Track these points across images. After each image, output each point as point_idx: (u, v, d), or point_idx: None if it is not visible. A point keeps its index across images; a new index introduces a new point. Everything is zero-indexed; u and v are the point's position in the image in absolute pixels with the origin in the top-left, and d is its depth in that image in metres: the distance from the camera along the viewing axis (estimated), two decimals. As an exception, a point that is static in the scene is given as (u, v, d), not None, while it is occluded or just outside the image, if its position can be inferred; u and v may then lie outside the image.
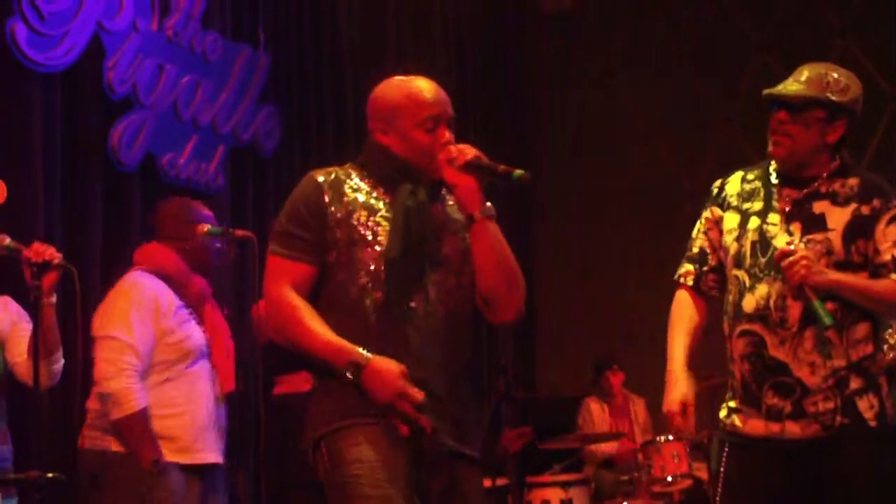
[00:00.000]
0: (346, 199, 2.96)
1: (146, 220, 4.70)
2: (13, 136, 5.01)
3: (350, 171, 3.04)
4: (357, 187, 2.99)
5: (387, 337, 2.89)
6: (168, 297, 4.23)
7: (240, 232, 4.51)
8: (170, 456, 4.09)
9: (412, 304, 2.92)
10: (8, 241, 3.67)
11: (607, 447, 7.08)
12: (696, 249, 3.43)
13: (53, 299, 3.86)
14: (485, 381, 6.24)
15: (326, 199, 2.95)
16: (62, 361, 4.02)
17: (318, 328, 2.88)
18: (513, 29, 9.02)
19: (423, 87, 3.04)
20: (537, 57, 9.01)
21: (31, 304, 3.81)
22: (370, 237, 2.93)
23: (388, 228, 2.93)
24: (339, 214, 2.94)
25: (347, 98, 6.82)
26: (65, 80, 5.26)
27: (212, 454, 4.22)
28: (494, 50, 8.72)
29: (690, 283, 3.42)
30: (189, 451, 4.15)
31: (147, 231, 4.59)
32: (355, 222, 2.94)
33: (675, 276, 3.48)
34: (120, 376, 4.04)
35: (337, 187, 2.98)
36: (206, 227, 4.37)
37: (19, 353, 3.95)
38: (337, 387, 2.88)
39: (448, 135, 3.00)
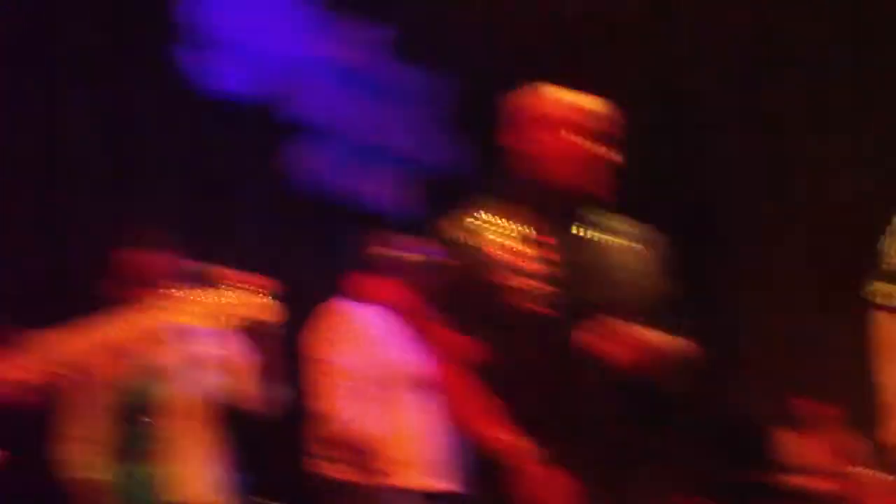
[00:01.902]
0: (475, 239, 2.75)
1: (357, 251, 4.76)
2: (208, 169, 5.20)
3: (478, 208, 2.83)
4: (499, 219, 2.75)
5: None
6: (383, 324, 4.23)
7: (435, 257, 4.56)
8: (401, 481, 4.07)
9: None
10: (225, 277, 3.78)
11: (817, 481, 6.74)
12: None
13: (276, 328, 3.85)
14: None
15: (458, 241, 2.77)
16: (286, 389, 4.01)
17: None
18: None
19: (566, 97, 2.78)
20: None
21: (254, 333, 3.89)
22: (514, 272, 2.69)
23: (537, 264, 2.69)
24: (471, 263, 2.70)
25: None
26: (255, 110, 5.41)
27: (445, 481, 4.08)
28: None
29: None
30: (421, 476, 4.10)
31: (357, 261, 4.63)
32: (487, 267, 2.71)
33: (873, 297, 3.23)
34: (340, 402, 4.07)
35: (463, 227, 2.78)
36: (416, 256, 4.40)
37: (244, 381, 3.99)
38: None
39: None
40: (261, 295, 3.76)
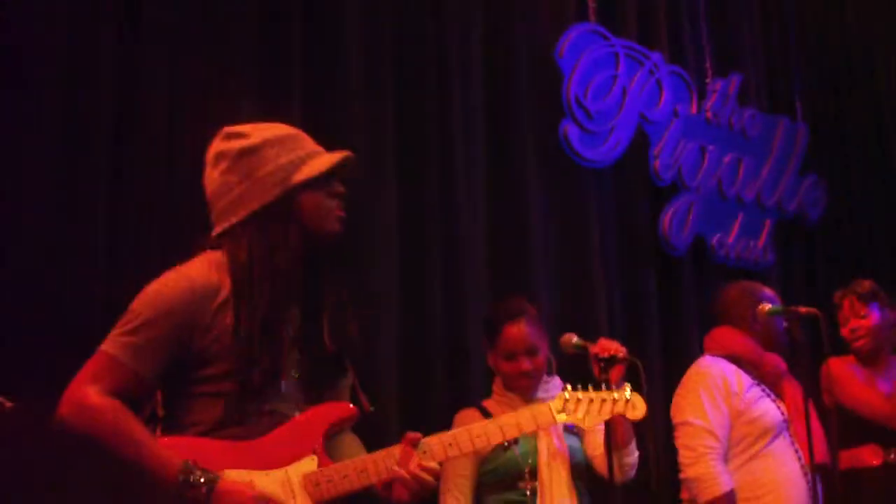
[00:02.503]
0: None
1: (706, 304, 4.78)
2: (571, 230, 5.26)
3: None
4: None
5: None
6: (738, 378, 4.26)
7: (804, 309, 4.32)
8: None
9: None
10: (576, 339, 3.76)
11: None
12: None
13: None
14: None
15: None
16: (636, 454, 4.00)
17: None
18: None
19: None
20: None
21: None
22: None
23: None
24: None
25: (893, 159, 6.54)
26: (615, 172, 5.48)
27: None
28: None
29: None
30: None
31: (708, 316, 4.59)
32: None
33: None
34: (700, 461, 4.08)
35: None
36: (768, 307, 4.38)
37: (597, 446, 4.01)
38: None
39: None
40: (614, 359, 3.82)
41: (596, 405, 2.67)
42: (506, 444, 3.97)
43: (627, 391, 2.81)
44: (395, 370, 4.44)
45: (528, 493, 3.93)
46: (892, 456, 4.21)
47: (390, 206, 4.71)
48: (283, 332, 2.45)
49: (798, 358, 5.48)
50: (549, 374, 4.11)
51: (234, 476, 2.33)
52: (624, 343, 3.84)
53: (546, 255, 5.14)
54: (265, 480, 2.34)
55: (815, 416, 4.32)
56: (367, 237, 4.60)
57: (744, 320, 4.39)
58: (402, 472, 2.36)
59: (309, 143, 2.65)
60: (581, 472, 4.03)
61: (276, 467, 2.36)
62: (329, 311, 2.53)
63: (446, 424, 4.14)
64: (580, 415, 2.67)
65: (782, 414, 4.26)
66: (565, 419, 2.64)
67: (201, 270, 2.49)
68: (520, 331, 3.95)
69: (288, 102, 4.31)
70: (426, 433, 4.23)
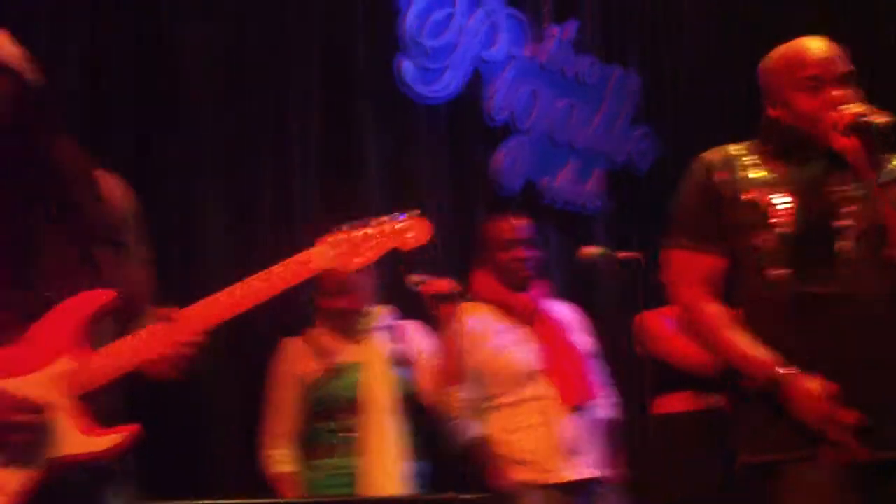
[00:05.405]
0: (738, 176, 2.71)
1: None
2: (403, 167, 5.29)
3: (745, 148, 2.79)
4: (750, 163, 2.73)
5: (800, 333, 2.58)
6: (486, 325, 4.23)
7: (624, 253, 4.40)
8: (527, 476, 4.11)
9: (824, 290, 2.59)
10: (415, 277, 3.86)
11: None
12: None
13: (456, 327, 3.93)
14: None
15: (717, 178, 2.72)
16: (468, 392, 4.00)
17: (735, 337, 2.64)
18: None
19: (805, 45, 2.74)
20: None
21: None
22: (766, 219, 2.65)
23: (785, 208, 2.65)
24: (732, 195, 2.69)
25: (719, 111, 6.60)
26: (448, 111, 5.50)
27: (572, 471, 4.14)
28: None
29: None
30: (545, 470, 4.12)
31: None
32: (749, 203, 2.68)
33: None
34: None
35: (729, 165, 2.74)
36: (591, 249, 4.41)
37: (425, 379, 4.07)
38: (762, 406, 2.59)
39: (837, 94, 2.65)
40: (442, 296, 3.91)
41: (366, 241, 2.34)
42: (328, 374, 4.02)
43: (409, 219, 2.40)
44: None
45: (345, 424, 3.98)
46: (711, 400, 4.25)
47: (219, 140, 4.67)
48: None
49: (628, 301, 5.60)
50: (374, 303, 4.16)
51: None
52: (456, 282, 3.93)
53: (378, 192, 5.14)
54: (20, 385, 2.25)
55: (580, 355, 4.30)
56: (196, 183, 4.58)
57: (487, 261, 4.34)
58: (154, 354, 2.25)
59: None
60: (409, 405, 4.09)
61: (32, 371, 2.27)
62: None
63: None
64: (353, 259, 2.34)
65: (538, 356, 4.22)
66: (327, 265, 2.32)
67: None
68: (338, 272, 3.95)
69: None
70: (260, 366, 4.24)
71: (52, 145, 2.37)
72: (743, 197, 2.68)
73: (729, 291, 2.71)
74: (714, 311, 2.68)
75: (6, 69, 2.32)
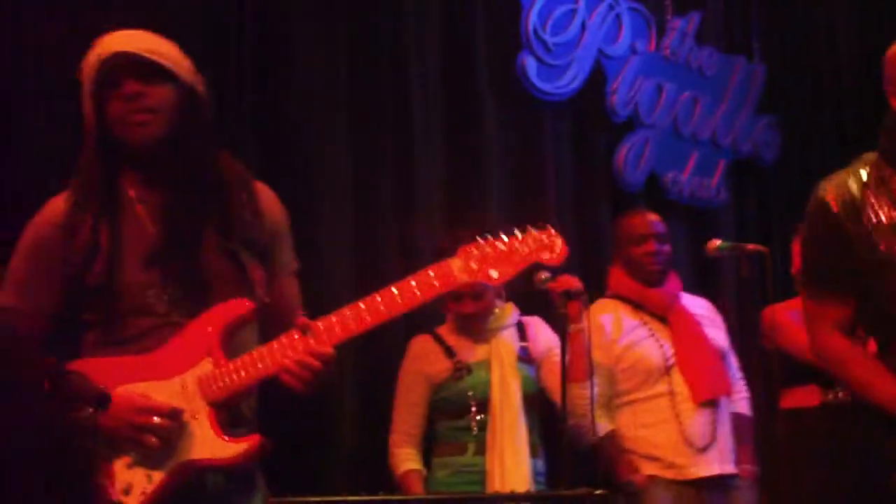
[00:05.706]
0: (864, 223, 2.55)
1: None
2: (527, 164, 5.28)
3: (860, 167, 2.62)
4: (874, 199, 2.56)
5: None
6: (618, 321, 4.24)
7: (751, 246, 4.32)
8: (656, 472, 4.13)
9: None
10: (544, 275, 3.82)
11: None
12: None
13: (583, 326, 3.93)
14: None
15: (843, 227, 2.57)
16: (594, 389, 3.98)
17: (872, 379, 2.57)
18: None
19: None
20: None
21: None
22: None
23: None
24: (861, 244, 2.55)
25: (847, 102, 6.47)
26: (571, 107, 5.48)
27: (705, 467, 4.14)
28: None
29: None
30: (674, 466, 4.13)
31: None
32: (876, 236, 2.54)
33: None
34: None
35: (854, 210, 2.57)
36: (718, 243, 4.33)
37: (552, 377, 4.03)
38: None
39: None
40: (570, 294, 3.86)
41: (506, 257, 2.33)
42: (458, 373, 4.04)
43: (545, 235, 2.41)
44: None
45: (477, 422, 4.00)
46: (831, 396, 4.23)
47: (342, 139, 4.71)
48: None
49: (755, 294, 5.52)
50: (503, 301, 4.17)
51: (127, 390, 2.29)
52: (580, 279, 3.90)
53: (502, 189, 5.14)
54: (160, 390, 2.31)
55: (714, 350, 4.28)
56: (319, 175, 4.62)
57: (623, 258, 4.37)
58: (288, 361, 2.27)
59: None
60: (533, 402, 4.09)
61: (172, 376, 2.32)
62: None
63: (401, 353, 4.20)
64: (491, 272, 2.34)
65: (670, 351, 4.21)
66: (467, 279, 2.33)
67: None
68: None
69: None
70: (382, 364, 4.31)
71: (216, 158, 2.42)
72: (876, 248, 2.56)
73: (862, 319, 2.66)
74: (847, 357, 2.63)
75: (177, 79, 2.38)
